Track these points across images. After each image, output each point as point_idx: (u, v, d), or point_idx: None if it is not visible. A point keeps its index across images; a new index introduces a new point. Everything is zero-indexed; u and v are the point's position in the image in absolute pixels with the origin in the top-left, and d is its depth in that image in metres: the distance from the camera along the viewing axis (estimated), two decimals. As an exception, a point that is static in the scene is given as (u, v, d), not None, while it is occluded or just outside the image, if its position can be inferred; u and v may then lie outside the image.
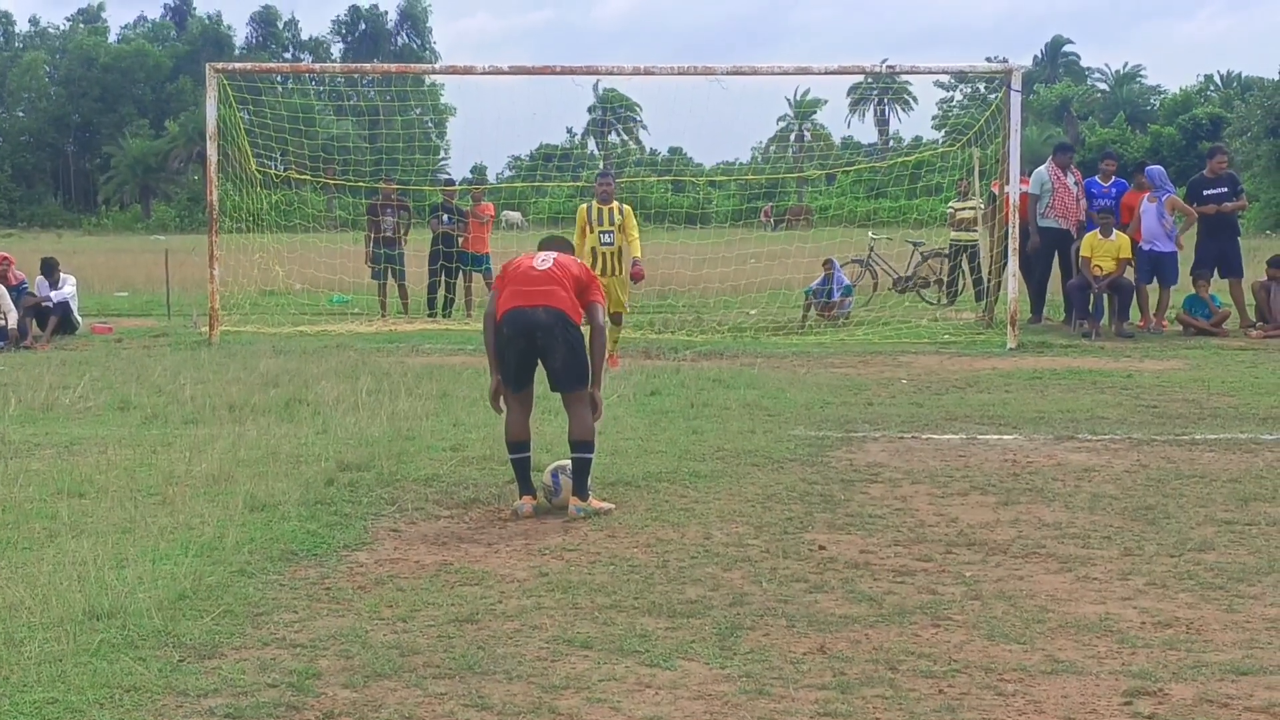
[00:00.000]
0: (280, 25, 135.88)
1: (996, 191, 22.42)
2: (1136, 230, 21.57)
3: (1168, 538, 8.68)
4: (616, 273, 17.32)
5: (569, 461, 9.81)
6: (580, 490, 9.37)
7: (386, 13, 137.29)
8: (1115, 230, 21.24)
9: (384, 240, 24.90)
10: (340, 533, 8.77)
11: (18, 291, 21.66)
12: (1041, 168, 22.65)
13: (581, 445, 9.44)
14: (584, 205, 17.58)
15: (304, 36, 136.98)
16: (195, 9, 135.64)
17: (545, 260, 9.63)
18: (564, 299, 9.44)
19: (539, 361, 9.55)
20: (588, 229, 17.26)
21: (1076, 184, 22.20)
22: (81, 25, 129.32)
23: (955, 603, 7.29)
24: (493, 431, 12.07)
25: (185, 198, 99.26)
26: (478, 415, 13.11)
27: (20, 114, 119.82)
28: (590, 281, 9.68)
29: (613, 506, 9.45)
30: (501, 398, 9.64)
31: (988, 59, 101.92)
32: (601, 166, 29.09)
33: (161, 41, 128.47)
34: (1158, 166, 22.76)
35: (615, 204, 17.44)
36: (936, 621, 6.96)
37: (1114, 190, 22.37)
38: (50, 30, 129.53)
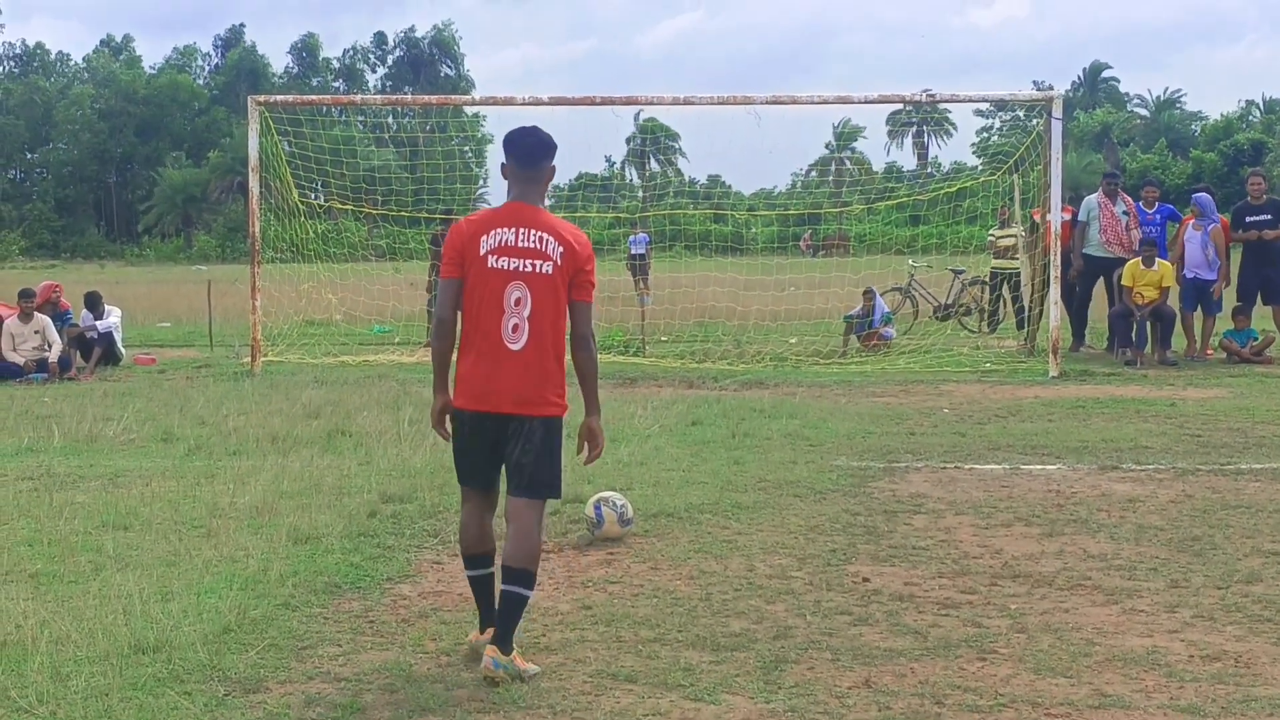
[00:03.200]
0: (320, 56, 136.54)
1: (1038, 219, 22.36)
2: (1179, 257, 21.47)
3: (1215, 569, 8.63)
4: None
5: (614, 494, 9.76)
6: (504, 640, 6.66)
7: (421, 38, 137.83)
8: (1157, 259, 21.13)
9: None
10: (383, 565, 8.78)
11: (62, 320, 21.80)
12: (1090, 196, 22.60)
13: (520, 576, 6.78)
14: None
15: (357, 65, 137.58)
16: (245, 40, 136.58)
17: (520, 306, 6.79)
18: (547, 380, 6.88)
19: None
20: None
21: (1126, 212, 22.07)
22: (108, 55, 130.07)
23: (1001, 635, 7.26)
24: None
25: (224, 228, 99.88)
26: (519, 446, 13.10)
27: (62, 146, 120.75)
28: (581, 269, 6.85)
29: (539, 670, 6.72)
30: (459, 486, 7.29)
31: (1034, 83, 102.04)
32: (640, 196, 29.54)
33: (194, 71, 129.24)
34: (1205, 195, 22.61)
35: None
36: (982, 655, 6.93)
37: (1158, 217, 22.28)
38: (95, 63, 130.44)
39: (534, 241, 6.78)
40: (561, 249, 6.78)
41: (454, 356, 7.00)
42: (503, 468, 7.01)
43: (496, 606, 6.86)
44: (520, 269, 6.76)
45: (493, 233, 6.83)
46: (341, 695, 6.36)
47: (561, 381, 6.89)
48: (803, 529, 9.81)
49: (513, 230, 6.81)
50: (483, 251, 6.80)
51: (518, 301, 6.76)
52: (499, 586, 6.87)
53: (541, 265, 6.76)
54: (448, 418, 7.03)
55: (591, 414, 7.05)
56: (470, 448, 6.99)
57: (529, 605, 6.96)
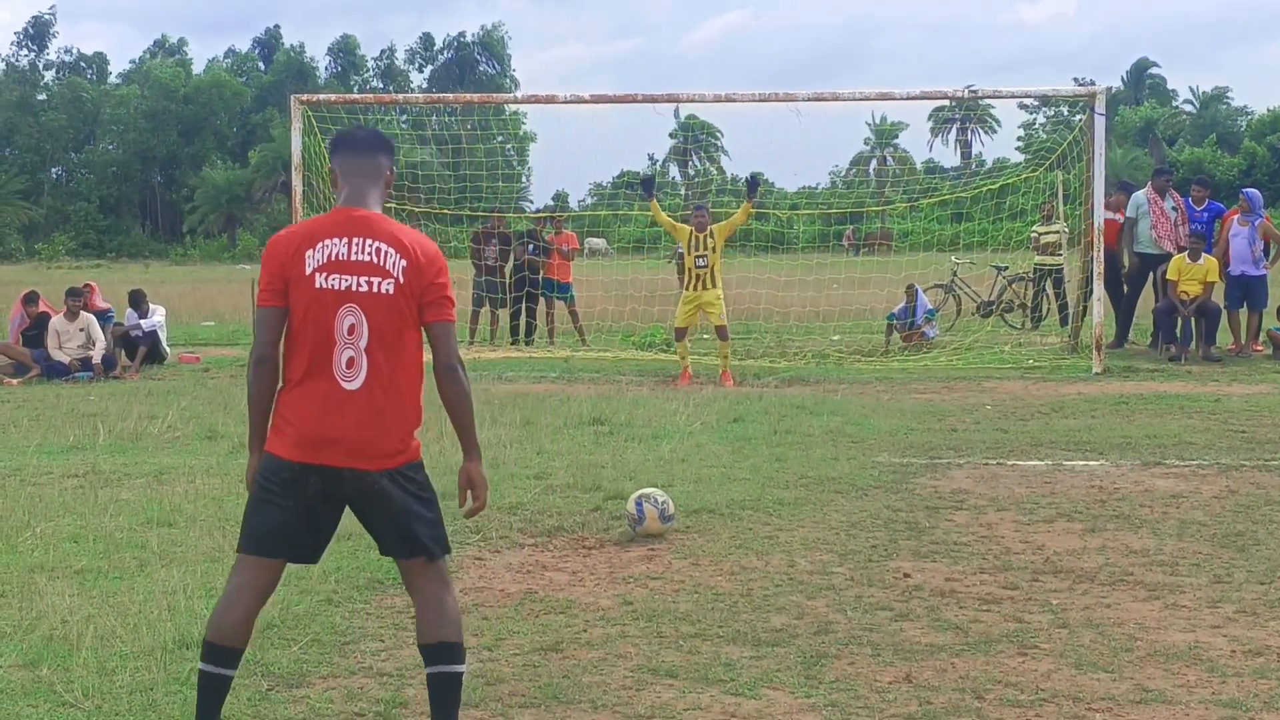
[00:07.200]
0: (358, 54, 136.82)
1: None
2: (1225, 253, 21.36)
3: (1258, 565, 8.60)
4: (709, 287, 18.93)
5: (655, 490, 9.75)
6: None
7: (471, 43, 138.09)
8: (1203, 254, 21.02)
9: (485, 269, 24.99)
10: (426, 561, 8.79)
11: (104, 320, 21.92)
12: (1140, 191, 22.48)
13: (451, 651, 5.61)
14: (687, 229, 19.16)
15: (399, 64, 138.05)
16: (284, 42, 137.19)
17: (355, 335, 5.50)
18: (390, 424, 5.59)
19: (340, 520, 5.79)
20: (687, 253, 19.19)
21: (1175, 208, 21.95)
22: (163, 58, 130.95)
23: (1042, 631, 7.25)
24: (578, 459, 12.14)
25: (267, 227, 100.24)
26: (561, 443, 13.16)
27: (109, 146, 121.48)
28: (431, 284, 5.60)
29: None
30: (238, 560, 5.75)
31: (1074, 79, 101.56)
32: (696, 201, 29.38)
33: (246, 74, 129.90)
34: (1255, 190, 22.50)
35: (709, 229, 18.96)
36: (1023, 650, 6.92)
37: (1205, 215, 22.16)
38: (144, 65, 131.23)
39: (370, 254, 5.51)
40: (404, 262, 5.51)
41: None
42: (324, 537, 5.75)
43: (430, 694, 5.67)
44: (354, 289, 5.48)
45: (320, 245, 5.52)
46: (384, 690, 6.39)
47: (415, 423, 5.68)
48: (844, 525, 9.80)
49: (344, 241, 5.52)
50: (309, 269, 5.50)
51: (351, 329, 5.48)
52: (428, 669, 5.65)
53: (380, 284, 5.50)
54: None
55: (471, 458, 5.80)
56: (276, 505, 5.59)
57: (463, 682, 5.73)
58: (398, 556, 5.69)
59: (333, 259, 5.48)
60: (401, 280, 5.49)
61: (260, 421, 5.70)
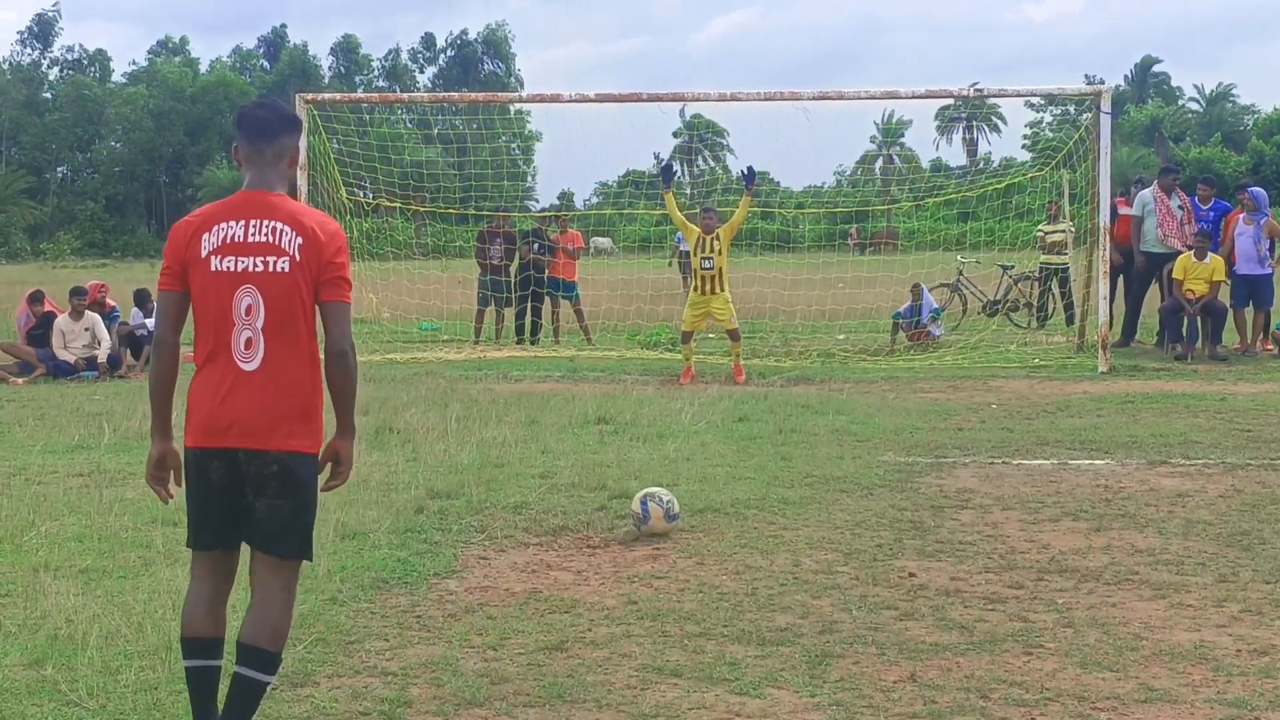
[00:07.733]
0: (360, 54, 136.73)
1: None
2: (1230, 252, 21.34)
3: (1263, 564, 8.58)
4: (717, 290, 19.27)
5: (660, 490, 9.74)
6: None
7: (474, 42, 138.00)
8: (1209, 253, 21.01)
9: (491, 268, 25.00)
10: (430, 561, 8.80)
11: (110, 319, 21.93)
12: (1145, 190, 22.47)
13: (258, 658, 5.56)
14: (696, 230, 19.45)
15: (404, 62, 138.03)
16: (290, 42, 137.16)
17: (252, 316, 5.50)
18: (287, 404, 5.55)
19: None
20: (694, 254, 19.46)
21: (1181, 207, 21.94)
22: (166, 57, 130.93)
23: (1047, 630, 7.24)
24: (582, 459, 12.14)
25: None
26: (566, 443, 13.15)
27: (114, 145, 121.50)
28: (329, 263, 5.53)
29: None
30: (191, 549, 5.81)
31: (1086, 77, 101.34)
32: (703, 203, 29.47)
33: (250, 73, 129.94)
34: (1259, 189, 22.50)
35: (716, 232, 19.22)
36: (1028, 649, 6.91)
37: (1211, 214, 22.14)
38: (153, 65, 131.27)
39: (266, 235, 5.48)
40: (300, 240, 5.47)
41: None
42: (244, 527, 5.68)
43: (229, 692, 5.63)
44: (250, 269, 5.46)
45: (216, 229, 5.52)
46: (388, 689, 6.39)
47: (313, 406, 5.61)
48: (849, 524, 9.79)
49: (241, 224, 5.51)
50: (204, 252, 5.50)
51: (248, 310, 5.47)
52: (237, 669, 5.57)
53: (276, 262, 5.46)
54: (175, 465, 5.77)
55: (343, 435, 5.75)
56: (196, 498, 5.64)
57: (267, 694, 5.75)
58: (257, 547, 5.64)
59: (228, 241, 5.48)
60: (298, 258, 5.46)
61: (160, 406, 5.71)
